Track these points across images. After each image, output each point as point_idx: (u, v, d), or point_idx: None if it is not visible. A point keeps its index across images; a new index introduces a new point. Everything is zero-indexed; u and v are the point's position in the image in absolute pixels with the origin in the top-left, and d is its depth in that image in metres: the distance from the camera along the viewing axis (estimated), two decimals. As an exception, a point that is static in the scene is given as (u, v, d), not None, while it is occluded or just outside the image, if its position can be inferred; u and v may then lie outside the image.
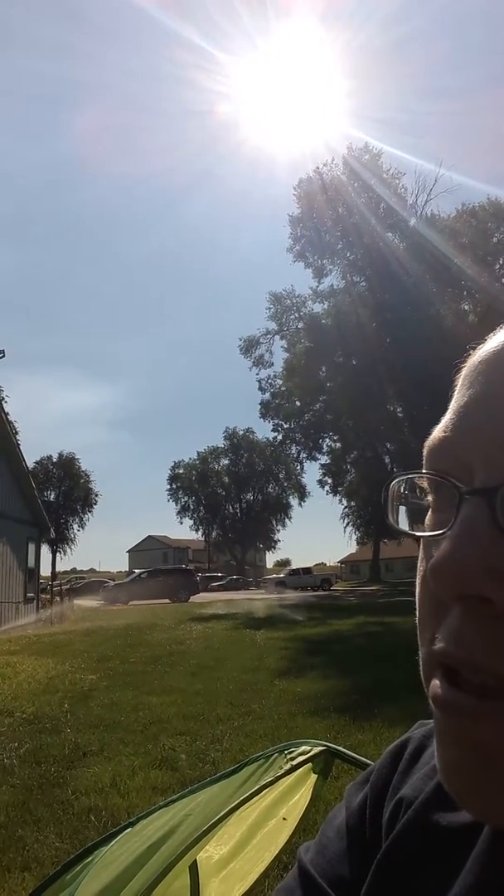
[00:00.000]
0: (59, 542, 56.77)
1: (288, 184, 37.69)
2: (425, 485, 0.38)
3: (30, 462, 21.29)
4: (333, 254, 29.30)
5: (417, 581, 0.38)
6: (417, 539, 0.38)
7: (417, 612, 0.38)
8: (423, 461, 0.38)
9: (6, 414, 16.82)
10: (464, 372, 0.39)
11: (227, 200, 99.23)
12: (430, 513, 0.37)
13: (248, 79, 54.57)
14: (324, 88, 47.94)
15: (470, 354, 0.41)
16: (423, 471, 0.37)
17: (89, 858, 0.93)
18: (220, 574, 56.06)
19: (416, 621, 0.38)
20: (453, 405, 0.37)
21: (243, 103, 58.65)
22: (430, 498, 0.38)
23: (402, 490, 0.40)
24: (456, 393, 0.38)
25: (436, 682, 0.34)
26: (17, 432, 20.35)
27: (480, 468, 0.33)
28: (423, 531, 0.37)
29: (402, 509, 0.40)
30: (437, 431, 0.37)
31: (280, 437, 35.18)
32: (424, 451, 0.38)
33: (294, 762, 1.10)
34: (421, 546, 0.38)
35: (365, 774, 0.54)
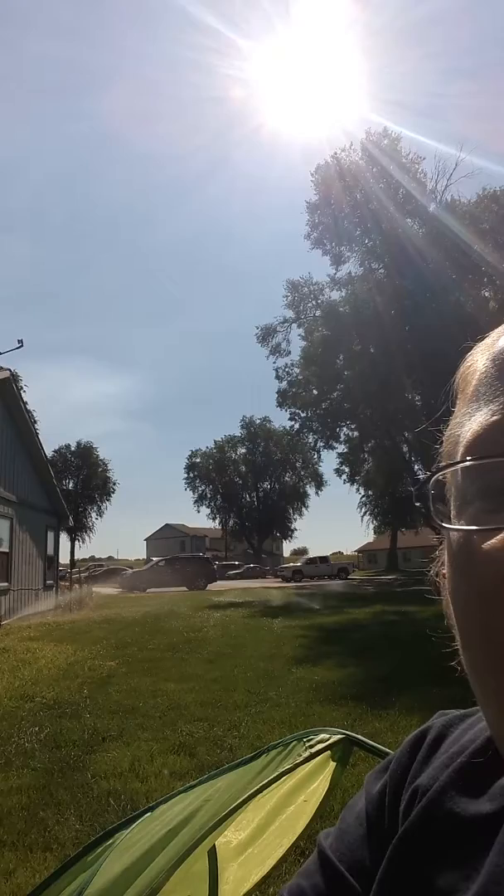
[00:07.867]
0: (78, 530, 57.33)
1: (305, 170, 37.36)
2: (458, 478, 0.36)
3: (48, 451, 21.50)
4: (351, 240, 28.96)
5: (450, 575, 0.37)
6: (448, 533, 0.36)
7: (462, 608, 0.35)
8: (463, 452, 0.36)
9: (25, 404, 16.94)
10: (494, 356, 0.38)
11: (244, 187, 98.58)
12: (468, 505, 0.35)
13: (265, 63, 53.70)
14: (342, 72, 47.01)
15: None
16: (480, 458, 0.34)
17: (110, 841, 0.94)
18: (237, 562, 56.22)
19: (460, 616, 0.35)
20: (492, 389, 0.36)
21: (260, 88, 58.18)
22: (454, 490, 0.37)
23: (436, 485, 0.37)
24: (488, 379, 0.37)
25: None
26: (36, 422, 20.53)
27: None
28: (454, 525, 0.35)
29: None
30: (485, 417, 0.35)
31: (297, 425, 35.04)
32: (467, 441, 0.36)
33: (313, 750, 1.10)
34: (454, 540, 0.35)
35: (385, 763, 0.54)
